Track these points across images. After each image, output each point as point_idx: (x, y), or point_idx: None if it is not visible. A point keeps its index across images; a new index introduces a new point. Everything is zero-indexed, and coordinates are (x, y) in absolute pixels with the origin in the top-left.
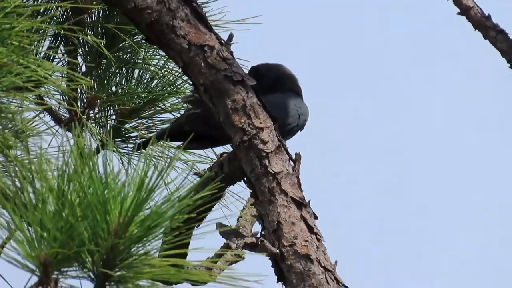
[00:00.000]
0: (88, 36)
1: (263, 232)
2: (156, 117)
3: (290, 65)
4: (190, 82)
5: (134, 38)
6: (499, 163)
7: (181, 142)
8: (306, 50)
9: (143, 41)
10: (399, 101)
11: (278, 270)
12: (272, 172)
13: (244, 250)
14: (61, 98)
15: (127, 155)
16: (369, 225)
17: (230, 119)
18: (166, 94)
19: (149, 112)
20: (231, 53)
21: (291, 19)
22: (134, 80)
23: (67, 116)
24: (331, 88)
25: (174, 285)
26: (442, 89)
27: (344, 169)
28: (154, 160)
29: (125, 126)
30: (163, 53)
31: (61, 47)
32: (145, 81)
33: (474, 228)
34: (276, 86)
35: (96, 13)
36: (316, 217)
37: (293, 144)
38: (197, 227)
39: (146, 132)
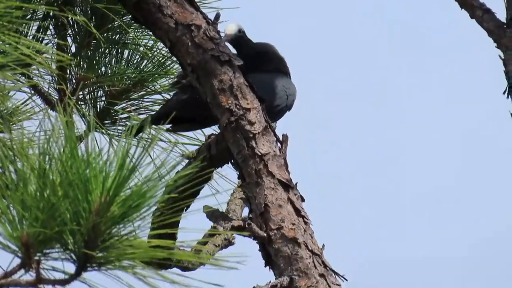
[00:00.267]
0: (77, 16)
1: (250, 215)
2: (145, 98)
3: (278, 43)
4: (178, 62)
5: (124, 18)
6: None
7: (171, 125)
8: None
9: (132, 22)
10: (382, 76)
11: (266, 254)
12: (259, 153)
13: (233, 234)
14: (50, 79)
15: (116, 137)
16: (357, 208)
17: (217, 99)
18: (155, 75)
19: (139, 94)
20: (218, 32)
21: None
22: (123, 61)
23: (57, 98)
24: (318, 65)
25: (163, 271)
26: (428, 67)
27: (331, 150)
28: (136, 139)
29: (115, 107)
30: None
31: (51, 28)
32: (134, 61)
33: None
34: (263, 66)
35: None
36: (303, 200)
37: (280, 124)
38: (185, 210)
39: (136, 113)
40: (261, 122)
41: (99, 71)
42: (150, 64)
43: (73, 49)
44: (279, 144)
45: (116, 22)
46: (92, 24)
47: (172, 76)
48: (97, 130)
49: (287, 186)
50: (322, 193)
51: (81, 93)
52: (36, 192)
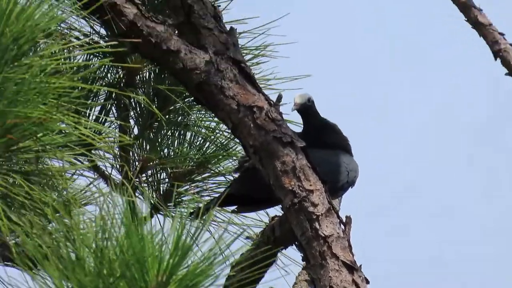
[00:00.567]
0: (140, 97)
1: None
2: (209, 180)
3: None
4: (240, 144)
5: (186, 100)
6: None
7: (235, 206)
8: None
9: (194, 103)
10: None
11: None
12: (323, 235)
13: None
14: (113, 160)
15: (178, 218)
16: None
17: (280, 181)
18: (218, 157)
19: (202, 175)
20: (280, 114)
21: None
22: (186, 143)
23: (119, 179)
24: None
25: None
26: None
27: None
28: (197, 219)
29: (178, 189)
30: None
31: (113, 109)
32: (197, 143)
33: None
34: (327, 141)
35: (147, 75)
36: (367, 282)
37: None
38: None
39: (199, 195)
40: (324, 204)
41: (161, 152)
42: (212, 146)
43: (135, 131)
44: (342, 226)
45: (178, 104)
46: (154, 105)
47: (234, 158)
48: (160, 212)
49: (352, 268)
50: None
51: (143, 174)
52: (93, 272)
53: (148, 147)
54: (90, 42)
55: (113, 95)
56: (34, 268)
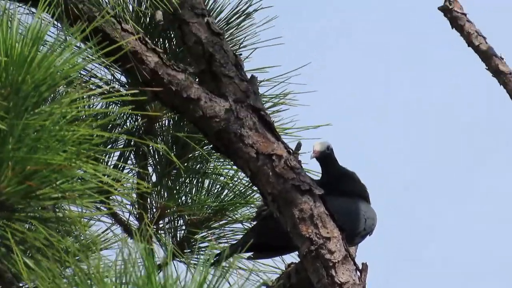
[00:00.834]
0: (159, 145)
1: None
2: (226, 227)
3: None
4: (259, 191)
5: (205, 147)
6: None
7: (251, 253)
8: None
9: (213, 151)
10: None
11: None
12: (339, 282)
13: None
14: (131, 207)
15: (196, 266)
16: None
17: (298, 229)
18: (236, 204)
19: (220, 223)
20: (299, 162)
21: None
22: (204, 190)
23: (137, 226)
24: None
25: None
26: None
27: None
28: (215, 267)
29: (195, 236)
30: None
31: (132, 156)
32: (215, 190)
33: None
34: (345, 188)
35: (166, 122)
36: None
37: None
38: None
39: (216, 242)
40: (341, 251)
41: (179, 200)
42: (231, 193)
43: (153, 178)
44: (358, 273)
45: (197, 152)
46: (173, 153)
47: (252, 205)
48: (177, 259)
49: None
50: None
51: (161, 221)
52: None
53: (166, 195)
54: (111, 90)
55: (132, 142)
56: None
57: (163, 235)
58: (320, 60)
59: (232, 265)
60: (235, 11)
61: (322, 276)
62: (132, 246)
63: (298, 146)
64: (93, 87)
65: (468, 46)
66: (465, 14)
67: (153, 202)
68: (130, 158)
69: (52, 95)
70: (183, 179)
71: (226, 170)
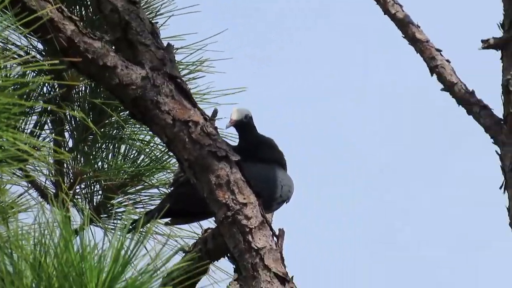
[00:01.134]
0: (75, 111)
1: None
2: (142, 192)
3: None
4: (175, 158)
5: (121, 114)
6: None
7: (169, 219)
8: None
9: (129, 117)
10: None
11: None
12: (256, 247)
13: None
14: (47, 173)
15: (113, 231)
16: None
17: (214, 195)
18: (152, 170)
19: (136, 188)
20: (215, 128)
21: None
22: (120, 156)
23: (54, 191)
24: None
25: None
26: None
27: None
28: (132, 232)
29: (111, 201)
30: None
31: (48, 123)
32: (131, 156)
33: None
34: (263, 155)
35: (83, 89)
36: None
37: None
38: None
39: (133, 207)
40: (257, 217)
41: (96, 165)
42: (147, 159)
43: (70, 144)
44: (275, 238)
45: (113, 118)
46: (89, 119)
47: (169, 171)
48: (94, 223)
49: (284, 279)
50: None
51: (78, 187)
52: (31, 285)
53: (82, 160)
54: (30, 59)
55: (49, 108)
56: None
57: (80, 200)
58: (237, 27)
59: (150, 231)
60: None
61: (238, 241)
62: (50, 214)
63: (215, 112)
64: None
65: (384, 14)
66: None
67: (70, 167)
68: (47, 124)
69: None
70: (99, 144)
71: (143, 136)
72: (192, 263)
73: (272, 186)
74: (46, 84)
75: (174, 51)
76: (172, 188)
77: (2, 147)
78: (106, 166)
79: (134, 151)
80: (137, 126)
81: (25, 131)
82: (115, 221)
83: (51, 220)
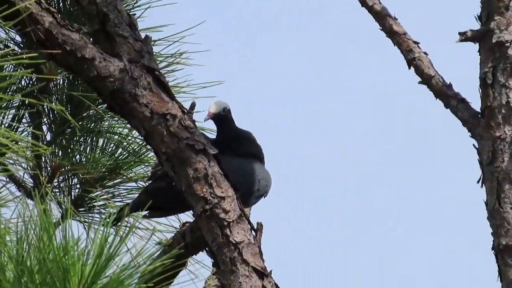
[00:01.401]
0: (53, 104)
1: None
2: (121, 186)
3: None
4: (153, 151)
5: (99, 106)
6: None
7: (147, 212)
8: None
9: (107, 110)
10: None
11: None
12: (234, 241)
13: None
14: (25, 166)
15: (92, 224)
16: None
17: (192, 188)
18: (131, 163)
19: (114, 181)
20: (193, 121)
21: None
22: (98, 149)
23: (32, 185)
24: None
25: None
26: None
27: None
28: (114, 227)
29: (90, 195)
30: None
31: (26, 116)
32: (109, 149)
33: None
34: (241, 149)
35: (61, 81)
36: (277, 287)
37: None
38: None
39: (112, 201)
40: (235, 211)
41: (74, 159)
42: (125, 152)
43: (48, 137)
44: (253, 232)
45: (91, 110)
46: (67, 111)
47: (147, 164)
48: (73, 217)
49: (262, 274)
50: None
51: (55, 180)
52: (14, 279)
53: (60, 153)
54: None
55: (26, 102)
56: None
57: (58, 193)
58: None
59: (133, 226)
60: None
61: (217, 235)
62: (32, 208)
63: (192, 105)
64: None
65: (362, 6)
66: None
67: (48, 160)
68: (24, 117)
69: None
70: (77, 137)
71: (121, 129)
72: (171, 257)
73: (250, 180)
74: (25, 77)
75: (152, 43)
76: (150, 182)
77: None
78: (84, 160)
79: (112, 144)
80: (115, 118)
81: (3, 124)
82: (93, 215)
83: (34, 214)
